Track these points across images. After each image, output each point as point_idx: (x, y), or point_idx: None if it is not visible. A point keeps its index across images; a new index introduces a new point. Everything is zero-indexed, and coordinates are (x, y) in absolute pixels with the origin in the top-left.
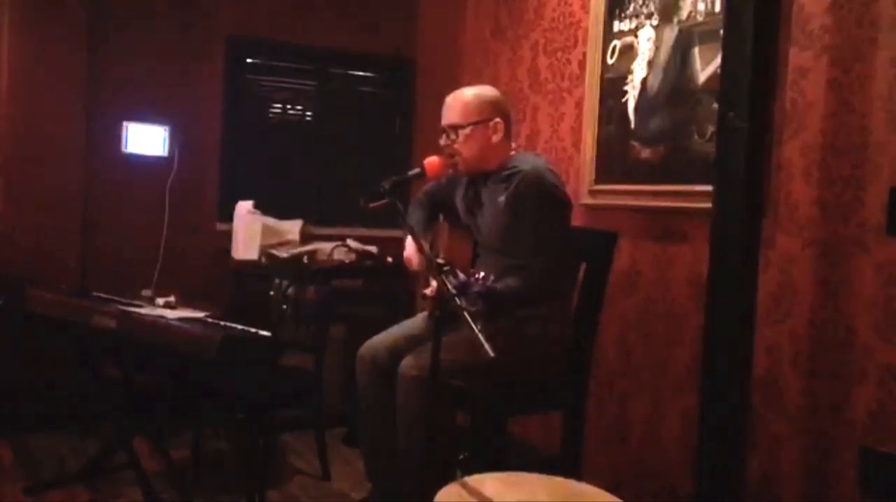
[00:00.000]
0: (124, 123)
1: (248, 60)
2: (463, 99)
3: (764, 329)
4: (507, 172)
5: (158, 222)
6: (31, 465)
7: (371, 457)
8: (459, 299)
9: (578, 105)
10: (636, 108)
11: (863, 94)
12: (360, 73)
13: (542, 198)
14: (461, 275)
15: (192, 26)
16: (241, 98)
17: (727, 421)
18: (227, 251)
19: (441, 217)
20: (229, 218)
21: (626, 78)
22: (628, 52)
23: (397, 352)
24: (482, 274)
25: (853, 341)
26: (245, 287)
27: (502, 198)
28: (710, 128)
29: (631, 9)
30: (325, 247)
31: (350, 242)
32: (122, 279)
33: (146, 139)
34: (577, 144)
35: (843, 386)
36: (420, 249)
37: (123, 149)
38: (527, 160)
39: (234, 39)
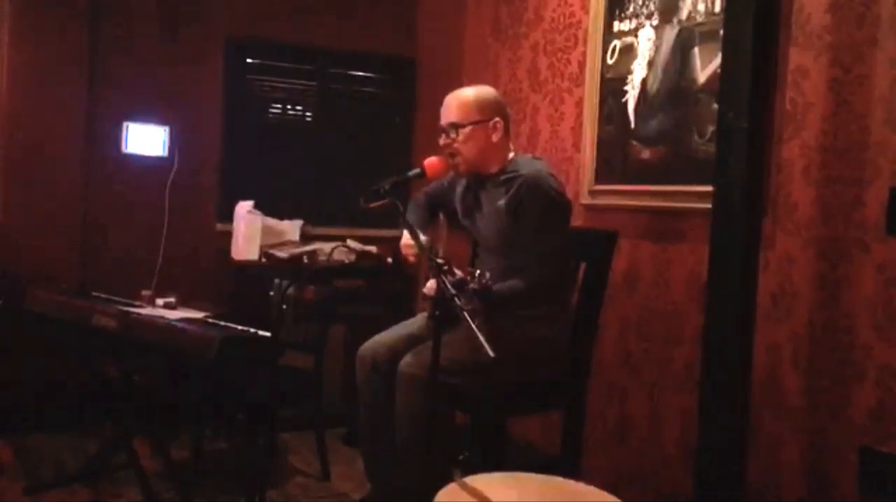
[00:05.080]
0: (124, 123)
1: (248, 60)
2: (463, 98)
3: (764, 329)
4: (506, 176)
5: (158, 222)
6: (31, 465)
7: (371, 457)
8: (457, 297)
9: (578, 105)
10: (636, 108)
11: (863, 94)
12: (360, 73)
13: (544, 202)
14: (458, 273)
15: (191, 26)
16: (241, 98)
17: (727, 421)
18: (227, 251)
19: (440, 216)
20: (229, 218)
21: (626, 78)
22: (628, 52)
23: (397, 352)
24: (478, 272)
25: (853, 341)
26: (245, 287)
27: (502, 202)
28: (710, 128)
29: (631, 9)
30: (325, 247)
31: (350, 242)
32: (122, 279)
33: (146, 139)
34: (577, 144)
35: (843, 386)
36: (419, 248)
37: (123, 149)
38: (527, 164)
39: (233, 39)
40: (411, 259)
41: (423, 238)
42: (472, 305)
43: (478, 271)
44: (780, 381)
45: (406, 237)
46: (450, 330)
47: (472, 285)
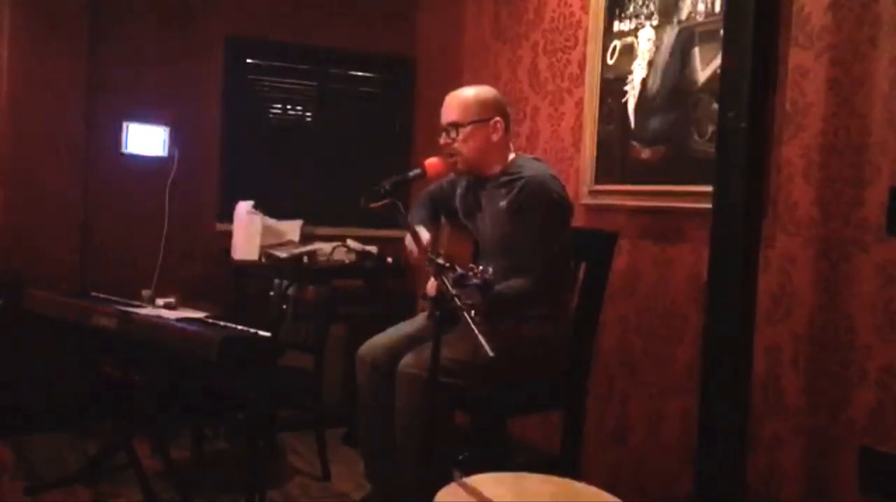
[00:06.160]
0: (124, 123)
1: (248, 60)
2: (463, 98)
3: (764, 329)
4: (508, 177)
5: (158, 222)
6: (31, 465)
7: (370, 458)
8: (458, 293)
9: (578, 105)
10: (636, 108)
11: (863, 94)
12: (360, 73)
13: (546, 205)
14: (459, 269)
15: (191, 26)
16: (241, 98)
17: (727, 421)
18: (227, 251)
19: (442, 218)
20: (229, 218)
21: (626, 78)
22: (628, 52)
23: (397, 352)
24: (481, 267)
25: (853, 341)
26: (245, 287)
27: (503, 203)
28: (710, 128)
29: (631, 9)
30: (325, 247)
31: (350, 242)
32: (122, 279)
33: (146, 139)
34: (577, 144)
35: (843, 386)
36: (420, 247)
37: (123, 149)
38: (529, 165)
39: (233, 39)
40: (414, 258)
41: (424, 236)
42: (474, 299)
43: (480, 267)
44: (780, 381)
45: (410, 239)
46: (450, 330)
47: (474, 280)
